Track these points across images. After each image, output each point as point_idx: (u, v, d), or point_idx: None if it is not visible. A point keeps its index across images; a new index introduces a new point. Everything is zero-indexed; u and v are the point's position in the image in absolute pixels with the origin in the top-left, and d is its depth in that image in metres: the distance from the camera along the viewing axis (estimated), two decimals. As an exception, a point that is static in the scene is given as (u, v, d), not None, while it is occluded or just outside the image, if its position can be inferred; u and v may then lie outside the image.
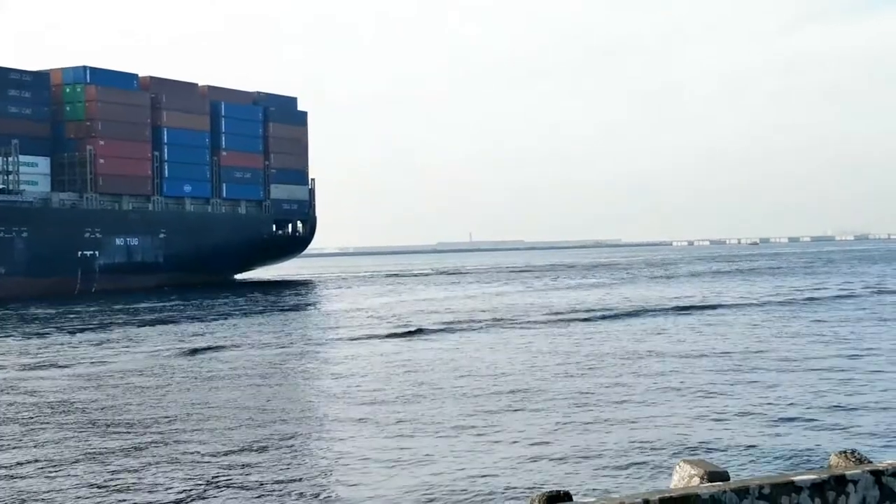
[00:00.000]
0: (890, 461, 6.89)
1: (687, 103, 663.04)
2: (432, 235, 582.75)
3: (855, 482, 6.60)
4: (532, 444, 17.63)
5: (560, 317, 47.02)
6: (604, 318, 45.87)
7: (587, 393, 23.22)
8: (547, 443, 17.74)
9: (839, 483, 6.55)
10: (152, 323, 50.19)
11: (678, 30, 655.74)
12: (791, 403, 21.15)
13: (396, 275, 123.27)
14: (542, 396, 22.86)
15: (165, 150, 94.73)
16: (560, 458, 16.48)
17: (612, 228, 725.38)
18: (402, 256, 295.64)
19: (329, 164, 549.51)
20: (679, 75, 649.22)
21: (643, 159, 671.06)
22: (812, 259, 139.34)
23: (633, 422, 19.43)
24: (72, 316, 56.51)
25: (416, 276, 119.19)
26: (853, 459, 6.80)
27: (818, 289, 65.27)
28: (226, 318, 52.19)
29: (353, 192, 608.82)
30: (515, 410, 21.22)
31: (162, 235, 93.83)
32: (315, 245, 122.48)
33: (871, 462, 6.88)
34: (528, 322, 44.70)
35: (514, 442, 17.91)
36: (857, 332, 36.25)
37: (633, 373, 26.67)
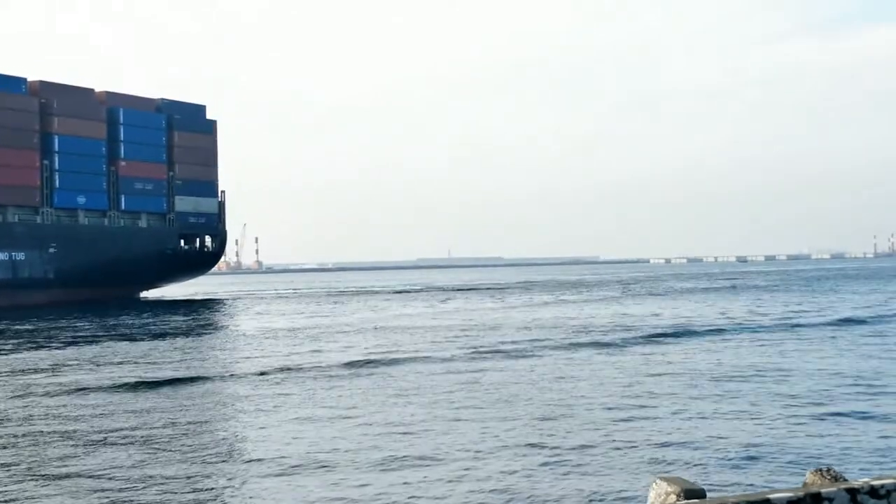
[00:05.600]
0: (865, 479, 6.99)
1: (668, 117, 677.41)
2: (412, 251, 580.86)
3: (830, 500, 6.73)
4: (511, 463, 17.55)
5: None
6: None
7: (555, 412, 23.20)
8: (526, 461, 17.71)
9: (815, 501, 6.69)
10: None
11: (656, 42, 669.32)
12: (767, 420, 21.48)
13: (338, 293, 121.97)
14: (512, 415, 22.75)
15: (56, 158, 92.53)
16: (538, 477, 16.49)
17: (590, 245, 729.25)
18: (380, 273, 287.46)
19: (307, 177, 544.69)
20: (658, 88, 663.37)
21: (621, 174, 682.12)
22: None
23: (608, 440, 19.51)
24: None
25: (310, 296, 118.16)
26: (829, 477, 6.90)
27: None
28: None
29: (332, 207, 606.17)
30: (490, 430, 21.05)
31: (52, 250, 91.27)
32: (294, 260, 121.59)
33: (846, 480, 6.97)
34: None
35: (492, 463, 17.78)
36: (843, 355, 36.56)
37: (602, 394, 26.72)
